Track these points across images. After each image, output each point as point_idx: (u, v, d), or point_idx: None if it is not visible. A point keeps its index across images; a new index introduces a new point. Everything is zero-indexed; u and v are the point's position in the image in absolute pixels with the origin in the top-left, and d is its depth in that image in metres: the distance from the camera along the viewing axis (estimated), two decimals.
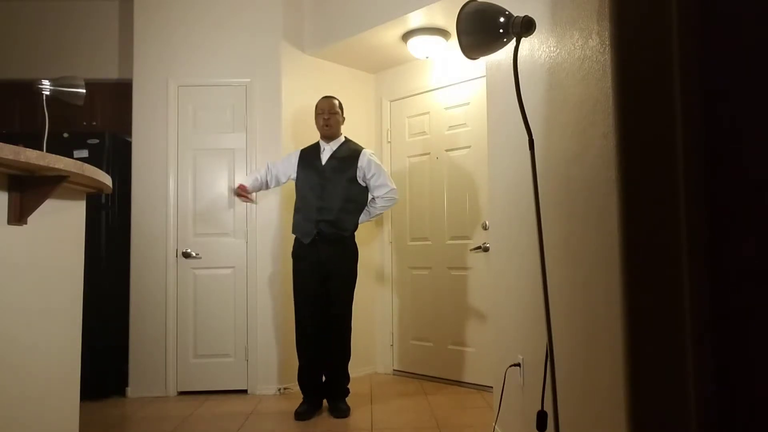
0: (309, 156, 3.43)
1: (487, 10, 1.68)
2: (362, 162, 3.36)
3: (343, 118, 3.49)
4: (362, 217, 3.41)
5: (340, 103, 3.47)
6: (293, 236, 3.42)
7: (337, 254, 3.30)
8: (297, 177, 3.41)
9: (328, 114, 3.37)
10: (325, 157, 3.38)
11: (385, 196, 3.39)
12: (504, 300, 2.56)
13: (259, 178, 3.53)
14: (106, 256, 3.82)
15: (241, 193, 3.44)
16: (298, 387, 3.38)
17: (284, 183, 3.59)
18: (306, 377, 3.30)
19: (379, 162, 3.47)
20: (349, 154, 3.39)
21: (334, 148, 3.40)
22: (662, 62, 1.19)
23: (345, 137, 3.48)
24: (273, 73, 4.00)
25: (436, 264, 4.16)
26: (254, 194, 3.59)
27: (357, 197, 3.37)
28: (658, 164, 1.19)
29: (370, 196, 3.42)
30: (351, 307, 3.37)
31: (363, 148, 3.45)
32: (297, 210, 3.39)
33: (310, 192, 3.33)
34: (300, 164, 3.42)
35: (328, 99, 3.45)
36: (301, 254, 3.33)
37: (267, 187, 3.57)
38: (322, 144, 3.43)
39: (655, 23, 1.20)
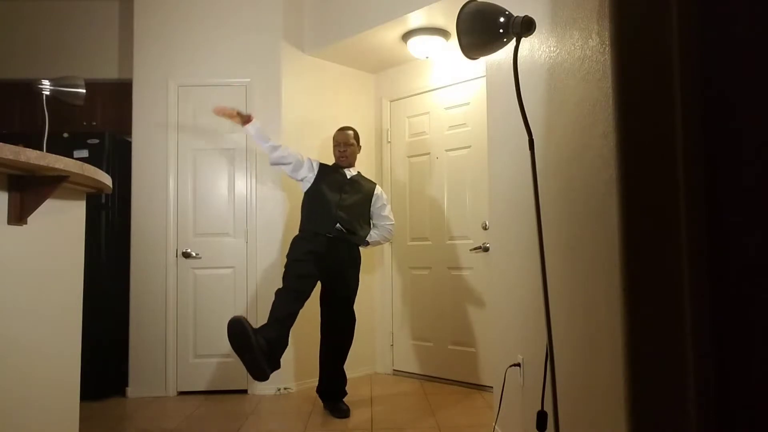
0: (330, 170, 3.49)
1: (487, 10, 1.68)
2: (377, 192, 3.55)
3: (359, 147, 3.61)
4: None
5: (355, 134, 3.57)
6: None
7: (346, 256, 3.34)
8: (314, 185, 3.40)
9: (344, 146, 3.50)
10: (347, 175, 3.49)
11: (386, 226, 3.54)
12: (504, 300, 2.56)
13: (283, 151, 3.38)
14: (106, 256, 3.82)
15: (227, 112, 3.31)
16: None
17: (294, 175, 3.46)
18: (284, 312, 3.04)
19: (387, 201, 3.64)
20: (367, 182, 3.56)
21: (354, 173, 3.53)
22: (662, 62, 1.19)
23: (358, 171, 3.59)
24: (273, 73, 4.00)
25: (436, 264, 4.16)
26: (251, 127, 3.36)
27: (368, 218, 3.51)
28: (658, 164, 1.19)
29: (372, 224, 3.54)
30: (353, 310, 3.38)
31: (375, 184, 3.61)
32: (310, 214, 3.37)
33: (330, 198, 3.35)
34: (321, 173, 3.45)
35: (343, 132, 3.56)
36: (310, 242, 3.26)
37: (284, 162, 3.41)
38: (344, 170, 3.53)
39: (655, 23, 1.20)
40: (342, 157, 3.50)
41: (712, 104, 1.16)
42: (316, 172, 3.44)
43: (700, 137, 1.16)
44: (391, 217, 3.60)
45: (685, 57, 1.17)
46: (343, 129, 3.58)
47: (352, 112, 4.35)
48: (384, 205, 3.55)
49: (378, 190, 3.57)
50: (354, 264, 3.40)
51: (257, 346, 2.74)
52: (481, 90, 3.64)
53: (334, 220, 3.30)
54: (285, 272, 3.27)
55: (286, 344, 3.04)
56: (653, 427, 1.17)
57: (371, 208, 3.52)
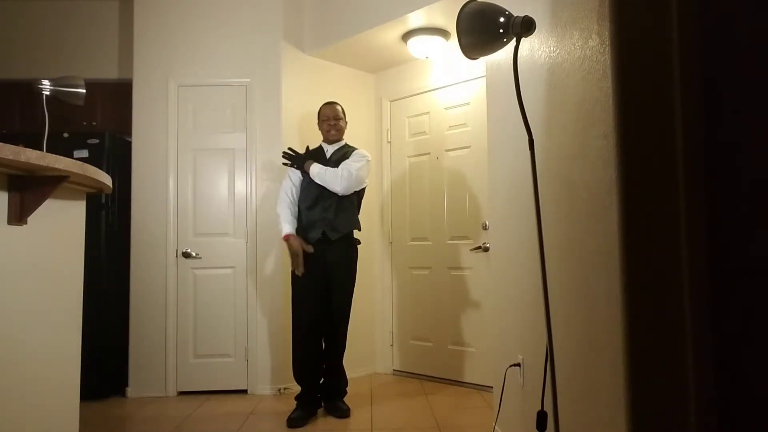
0: (313, 157, 3.38)
1: (487, 10, 1.68)
2: (354, 152, 3.38)
3: (346, 123, 3.49)
4: (317, 170, 3.26)
5: (342, 109, 3.47)
6: None
7: (341, 255, 3.28)
8: (302, 179, 3.35)
9: (334, 120, 3.39)
10: (327, 155, 3.39)
11: (343, 167, 3.24)
12: (504, 300, 2.56)
13: (291, 211, 3.31)
14: (106, 256, 3.81)
15: (301, 246, 3.21)
16: (296, 386, 3.37)
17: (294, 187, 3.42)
18: (306, 386, 3.24)
19: (364, 157, 3.37)
20: (344, 153, 3.38)
21: (333, 150, 3.40)
22: (662, 62, 1.19)
23: (345, 142, 3.48)
24: (273, 73, 4.00)
25: (436, 264, 4.16)
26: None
27: (351, 196, 3.33)
28: (658, 164, 1.19)
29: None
30: (350, 308, 3.37)
31: (357, 149, 3.44)
32: (300, 211, 3.33)
33: (310, 192, 3.28)
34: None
35: (331, 105, 3.44)
36: (304, 257, 3.25)
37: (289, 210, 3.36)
38: (325, 146, 3.44)
39: (655, 23, 1.20)
40: (333, 131, 3.38)
41: (712, 104, 1.16)
42: (298, 174, 3.35)
43: (700, 137, 1.16)
44: (351, 169, 3.23)
45: (685, 57, 1.17)
46: (331, 103, 3.46)
47: (352, 112, 4.33)
48: (351, 159, 3.28)
49: (351, 153, 3.34)
50: (347, 261, 3.32)
51: (301, 417, 3.16)
52: (481, 90, 3.64)
53: (319, 229, 3.23)
54: (293, 300, 3.32)
55: (318, 375, 3.31)
56: (653, 428, 1.17)
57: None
